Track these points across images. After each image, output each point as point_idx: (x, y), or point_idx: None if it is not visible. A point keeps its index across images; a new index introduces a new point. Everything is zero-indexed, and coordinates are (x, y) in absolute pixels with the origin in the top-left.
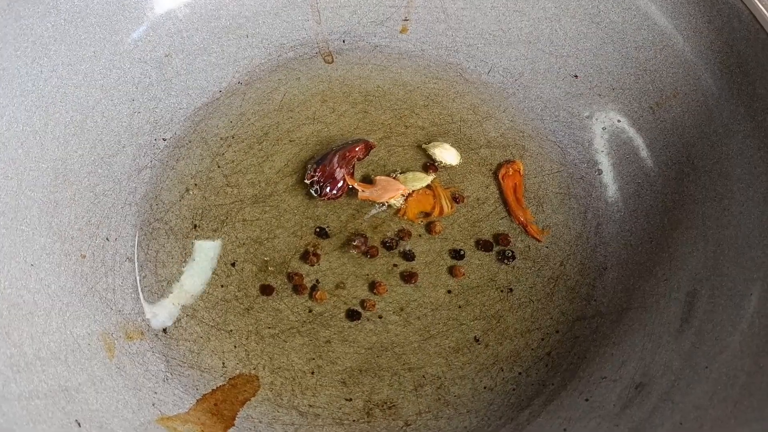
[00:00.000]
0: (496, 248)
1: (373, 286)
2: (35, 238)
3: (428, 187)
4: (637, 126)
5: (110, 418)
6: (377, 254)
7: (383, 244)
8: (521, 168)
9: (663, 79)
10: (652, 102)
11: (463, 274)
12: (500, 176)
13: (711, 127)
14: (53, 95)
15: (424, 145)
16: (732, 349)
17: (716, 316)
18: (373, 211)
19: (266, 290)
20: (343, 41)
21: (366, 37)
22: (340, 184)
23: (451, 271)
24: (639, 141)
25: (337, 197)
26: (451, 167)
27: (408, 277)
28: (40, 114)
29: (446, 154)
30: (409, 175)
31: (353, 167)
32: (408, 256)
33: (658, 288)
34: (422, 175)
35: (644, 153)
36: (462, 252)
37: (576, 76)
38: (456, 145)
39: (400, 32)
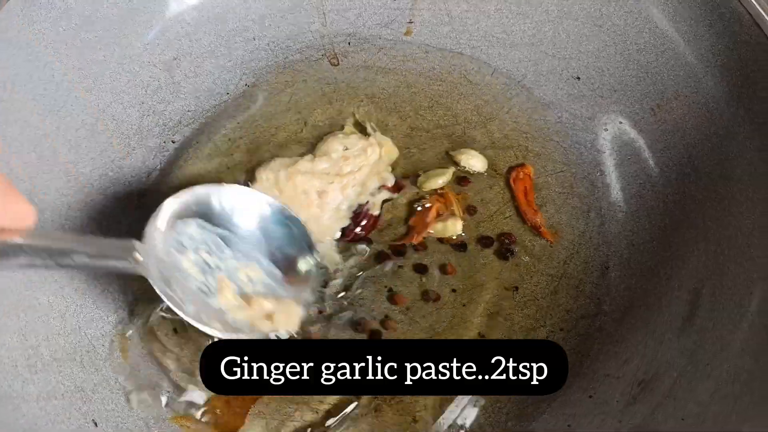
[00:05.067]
0: (495, 245)
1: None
2: None
3: (442, 195)
4: (639, 127)
5: (125, 418)
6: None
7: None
8: (531, 172)
9: (664, 81)
10: (654, 104)
11: (455, 271)
12: (511, 180)
13: (712, 129)
14: (65, 99)
15: (451, 152)
16: (733, 347)
17: (718, 314)
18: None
19: None
20: (349, 43)
21: (371, 39)
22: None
23: (443, 269)
24: (640, 142)
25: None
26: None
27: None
28: (52, 118)
29: (473, 161)
30: (430, 172)
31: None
32: (420, 269)
33: (660, 287)
34: (441, 170)
35: (646, 154)
36: (465, 244)
37: (578, 78)
38: (461, 146)
39: (405, 34)
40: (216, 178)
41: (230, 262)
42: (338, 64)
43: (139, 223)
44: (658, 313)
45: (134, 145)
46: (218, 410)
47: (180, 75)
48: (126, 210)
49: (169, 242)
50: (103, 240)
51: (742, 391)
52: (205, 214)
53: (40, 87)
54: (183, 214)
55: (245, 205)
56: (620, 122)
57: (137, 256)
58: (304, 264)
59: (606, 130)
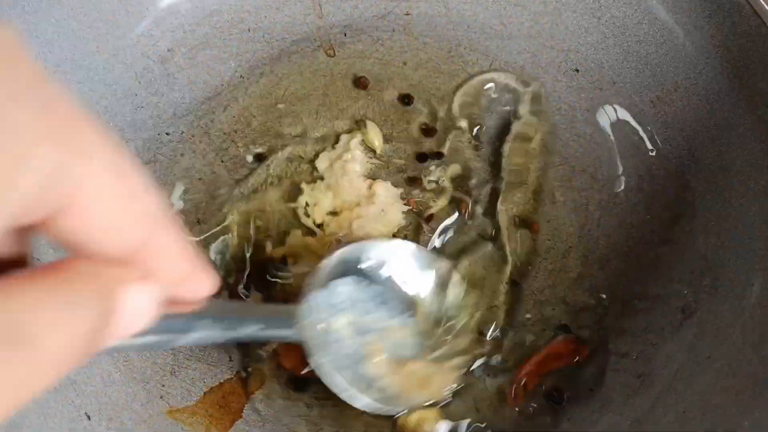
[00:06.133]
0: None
1: None
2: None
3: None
4: (638, 119)
5: (119, 411)
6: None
7: None
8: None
9: (664, 73)
10: (653, 96)
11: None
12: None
13: (712, 121)
14: None
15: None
16: (734, 340)
17: (718, 307)
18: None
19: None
20: (345, 35)
21: (368, 30)
22: None
23: None
24: (640, 134)
25: None
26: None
27: None
28: None
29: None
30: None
31: None
32: None
33: (660, 279)
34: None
35: (645, 146)
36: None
37: (577, 70)
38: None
39: (402, 26)
40: (210, 171)
41: (381, 323)
42: (334, 55)
43: None
44: (657, 306)
45: (128, 137)
46: (215, 407)
47: (174, 67)
48: None
49: (324, 303)
50: (270, 307)
51: (743, 384)
52: (357, 270)
53: None
54: (337, 274)
55: (395, 257)
56: (619, 114)
57: (303, 322)
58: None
59: (605, 122)
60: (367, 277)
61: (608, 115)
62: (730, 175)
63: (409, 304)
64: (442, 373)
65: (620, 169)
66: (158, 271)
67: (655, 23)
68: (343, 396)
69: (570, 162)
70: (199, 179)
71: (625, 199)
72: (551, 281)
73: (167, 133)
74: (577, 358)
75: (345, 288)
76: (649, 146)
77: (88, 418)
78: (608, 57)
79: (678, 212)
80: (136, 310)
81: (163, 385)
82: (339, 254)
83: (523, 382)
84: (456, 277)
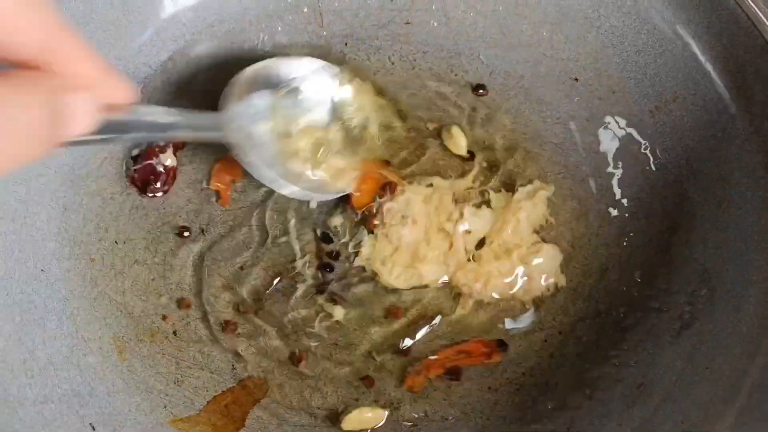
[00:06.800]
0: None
1: None
2: (44, 243)
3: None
4: (637, 129)
5: (123, 421)
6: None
7: None
8: None
9: (663, 83)
10: (652, 106)
11: None
12: None
13: (710, 131)
14: None
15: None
16: (732, 350)
17: (717, 317)
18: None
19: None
20: (346, 44)
21: (368, 40)
22: None
23: None
24: (639, 144)
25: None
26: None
27: None
28: None
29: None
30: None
31: None
32: None
33: (658, 289)
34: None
35: (644, 156)
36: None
37: (576, 80)
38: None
39: (402, 36)
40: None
41: (301, 124)
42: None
43: (136, 224)
44: (656, 316)
45: (130, 145)
46: (218, 415)
47: (176, 76)
48: (123, 211)
49: (245, 113)
50: (199, 114)
51: (741, 394)
52: (276, 84)
53: None
54: (255, 86)
55: (312, 75)
56: (619, 124)
57: (228, 127)
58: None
59: (604, 131)
60: (282, 88)
61: (607, 124)
62: (729, 186)
63: (325, 108)
64: (353, 165)
65: (619, 179)
66: (71, 75)
67: (654, 33)
68: (273, 186)
69: (569, 171)
70: (202, 189)
71: (624, 209)
72: (551, 291)
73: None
74: (487, 360)
75: (261, 100)
76: (648, 156)
77: (93, 428)
78: (607, 67)
79: (676, 222)
80: (82, 112)
81: (167, 395)
82: (250, 71)
83: (423, 370)
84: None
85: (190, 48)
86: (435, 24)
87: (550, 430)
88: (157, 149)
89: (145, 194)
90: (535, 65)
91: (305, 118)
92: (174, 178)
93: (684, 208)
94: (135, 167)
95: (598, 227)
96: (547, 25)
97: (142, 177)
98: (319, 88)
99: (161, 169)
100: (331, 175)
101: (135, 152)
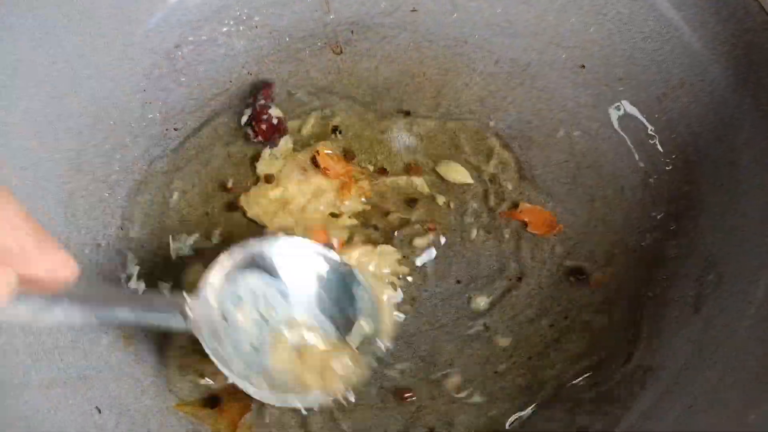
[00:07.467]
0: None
1: None
2: (51, 228)
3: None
4: (645, 116)
5: (129, 404)
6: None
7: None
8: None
9: (670, 69)
10: (659, 92)
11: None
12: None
13: (718, 117)
14: (67, 86)
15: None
16: (741, 335)
17: (725, 302)
18: None
19: None
20: (352, 32)
21: (374, 27)
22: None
23: None
24: (646, 131)
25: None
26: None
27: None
28: (54, 105)
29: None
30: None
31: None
32: None
33: (666, 275)
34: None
35: (652, 142)
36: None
37: (583, 67)
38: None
39: (409, 23)
40: (218, 167)
41: (287, 316)
42: (341, 53)
43: (141, 211)
44: (664, 302)
45: (137, 132)
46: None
47: (182, 63)
48: (128, 197)
49: (225, 295)
50: (149, 295)
51: (750, 379)
52: (265, 266)
53: (42, 74)
54: (244, 266)
55: (304, 258)
56: (626, 111)
57: (187, 311)
58: (363, 327)
59: (611, 118)
60: (269, 270)
61: (614, 111)
62: (737, 172)
63: (314, 299)
64: (340, 361)
65: (626, 166)
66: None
67: (661, 20)
68: (240, 384)
69: (576, 158)
70: (206, 174)
71: (631, 195)
72: (558, 277)
73: (175, 128)
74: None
75: (251, 280)
76: (656, 143)
77: (99, 411)
78: (614, 54)
79: (684, 208)
80: None
81: (172, 379)
82: (240, 248)
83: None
84: (362, 280)
85: (196, 34)
86: (441, 12)
87: (557, 417)
88: (263, 108)
89: (274, 144)
90: (542, 53)
91: (289, 308)
92: (286, 129)
93: (692, 193)
94: (258, 124)
95: (605, 214)
96: (554, 13)
97: (269, 131)
98: (310, 273)
99: (275, 121)
100: (307, 375)
101: (245, 119)
